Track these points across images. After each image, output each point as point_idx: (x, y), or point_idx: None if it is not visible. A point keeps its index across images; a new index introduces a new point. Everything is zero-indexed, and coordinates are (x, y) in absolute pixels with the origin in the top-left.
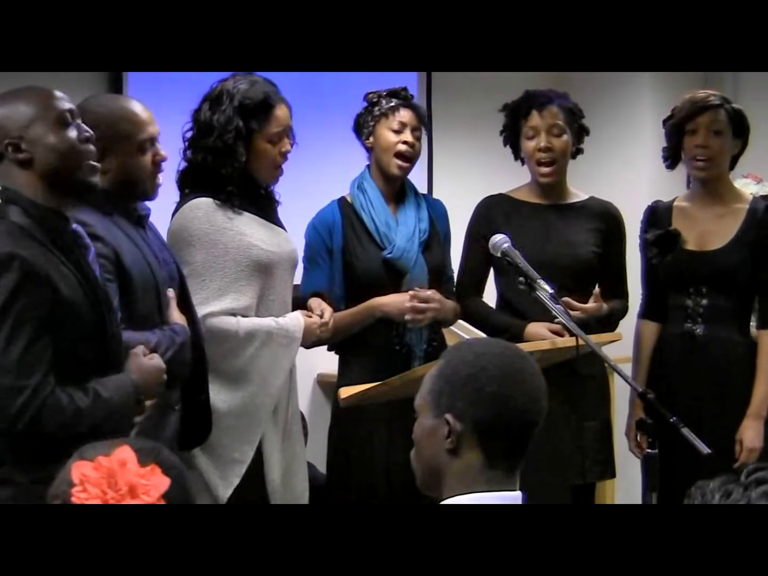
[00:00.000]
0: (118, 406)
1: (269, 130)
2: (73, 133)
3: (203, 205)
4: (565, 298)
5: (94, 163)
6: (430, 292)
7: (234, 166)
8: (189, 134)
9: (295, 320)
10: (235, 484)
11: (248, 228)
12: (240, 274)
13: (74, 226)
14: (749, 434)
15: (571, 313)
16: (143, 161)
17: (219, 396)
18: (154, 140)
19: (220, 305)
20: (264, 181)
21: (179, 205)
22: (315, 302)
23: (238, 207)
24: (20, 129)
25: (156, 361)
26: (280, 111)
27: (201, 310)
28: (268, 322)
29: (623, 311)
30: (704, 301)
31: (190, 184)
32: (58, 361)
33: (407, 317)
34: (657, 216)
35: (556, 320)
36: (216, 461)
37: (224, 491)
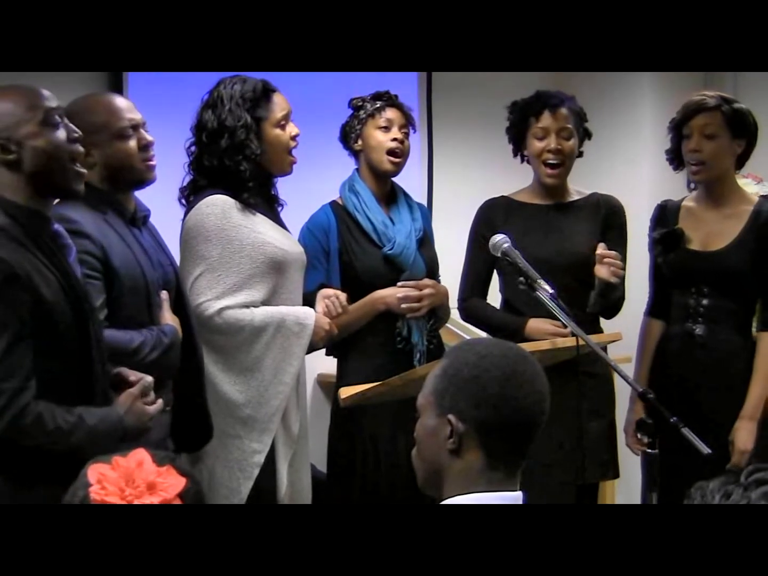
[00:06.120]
0: (101, 435)
1: (276, 115)
2: (61, 134)
3: (219, 201)
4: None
5: (80, 170)
6: (422, 281)
7: (252, 160)
8: (193, 148)
9: (306, 310)
10: (255, 476)
11: (262, 227)
12: (255, 270)
13: (55, 226)
14: (741, 435)
15: None
16: (126, 148)
17: (235, 387)
18: (137, 126)
19: (235, 300)
20: (279, 172)
21: (194, 202)
22: (327, 291)
23: (252, 207)
24: (8, 129)
25: (150, 407)
26: (279, 97)
27: (217, 304)
28: (279, 309)
29: (622, 293)
30: (705, 301)
31: (202, 191)
32: (38, 363)
33: (403, 306)
34: (665, 215)
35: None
36: (235, 453)
37: (245, 482)
